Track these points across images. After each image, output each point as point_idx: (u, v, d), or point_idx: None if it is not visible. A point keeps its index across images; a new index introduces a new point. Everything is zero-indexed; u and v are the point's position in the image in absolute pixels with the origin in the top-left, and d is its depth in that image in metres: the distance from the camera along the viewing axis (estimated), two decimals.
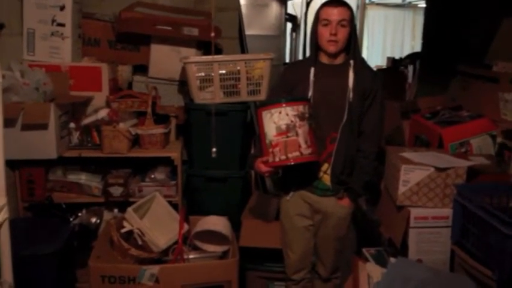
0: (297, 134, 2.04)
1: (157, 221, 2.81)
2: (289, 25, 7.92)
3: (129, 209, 2.70)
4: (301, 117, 2.05)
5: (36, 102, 2.73)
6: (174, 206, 2.97)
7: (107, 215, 3.13)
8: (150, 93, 3.12)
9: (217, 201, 3.11)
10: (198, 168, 3.18)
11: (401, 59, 6.14)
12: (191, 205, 3.22)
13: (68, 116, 2.99)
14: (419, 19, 8.73)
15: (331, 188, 2.25)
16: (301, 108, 2.06)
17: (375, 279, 2.37)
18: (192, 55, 3.18)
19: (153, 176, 3.13)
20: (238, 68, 3.04)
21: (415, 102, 3.85)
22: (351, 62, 2.18)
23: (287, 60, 7.73)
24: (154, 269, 2.47)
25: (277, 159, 2.07)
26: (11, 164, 2.83)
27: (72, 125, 3.00)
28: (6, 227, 1.63)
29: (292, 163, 2.05)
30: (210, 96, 3.07)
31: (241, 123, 3.16)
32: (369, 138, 2.26)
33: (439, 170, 2.46)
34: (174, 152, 3.07)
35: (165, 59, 3.27)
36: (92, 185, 3.07)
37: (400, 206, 2.55)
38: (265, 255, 2.76)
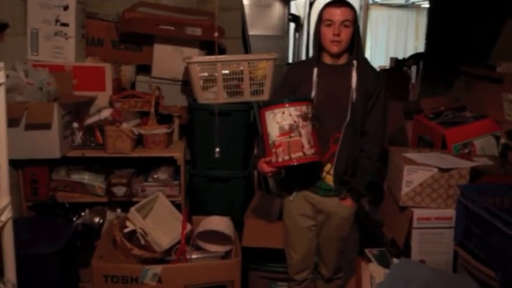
0: (300, 135, 2.04)
1: (160, 221, 2.81)
2: (292, 25, 7.90)
3: (132, 209, 2.71)
4: (304, 117, 2.05)
5: (40, 102, 2.74)
6: (177, 206, 2.97)
7: (110, 215, 3.13)
8: (153, 93, 3.12)
9: (220, 201, 3.10)
10: (201, 168, 3.18)
11: (404, 60, 6.12)
12: (194, 205, 3.23)
13: (71, 115, 2.99)
14: (423, 19, 8.72)
15: (334, 188, 2.25)
16: (304, 108, 2.06)
17: (378, 279, 2.38)
18: (195, 55, 3.17)
19: (156, 176, 3.13)
20: (242, 68, 3.04)
21: (418, 103, 3.85)
22: (354, 62, 2.18)
23: (290, 61, 7.72)
24: (157, 268, 2.47)
25: (280, 159, 2.07)
26: (14, 164, 2.84)
27: (75, 124, 3.01)
28: (9, 227, 1.63)
29: (295, 163, 2.05)
30: (213, 96, 3.07)
31: (244, 123, 3.15)
32: (372, 139, 2.26)
33: (442, 170, 2.46)
34: (177, 152, 3.07)
35: (168, 59, 3.27)
36: (95, 184, 3.07)
37: (403, 206, 2.55)
38: (267, 255, 2.76)
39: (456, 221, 2.43)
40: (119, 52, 3.34)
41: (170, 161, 3.06)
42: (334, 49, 2.15)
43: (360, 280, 2.47)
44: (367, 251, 2.75)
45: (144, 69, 3.39)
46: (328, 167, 2.23)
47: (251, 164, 3.08)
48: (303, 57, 7.64)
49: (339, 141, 2.19)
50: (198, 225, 2.76)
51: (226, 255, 2.72)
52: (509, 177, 2.55)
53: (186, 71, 3.12)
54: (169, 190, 3.09)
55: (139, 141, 3.10)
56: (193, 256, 2.68)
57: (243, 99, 3.11)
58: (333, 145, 2.20)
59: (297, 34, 8.28)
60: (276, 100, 2.15)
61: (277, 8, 6.39)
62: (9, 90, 2.34)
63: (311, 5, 6.70)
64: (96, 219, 3.09)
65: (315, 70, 2.19)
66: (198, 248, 2.73)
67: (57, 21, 3.09)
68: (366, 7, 10.31)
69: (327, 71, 2.20)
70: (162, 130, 3.06)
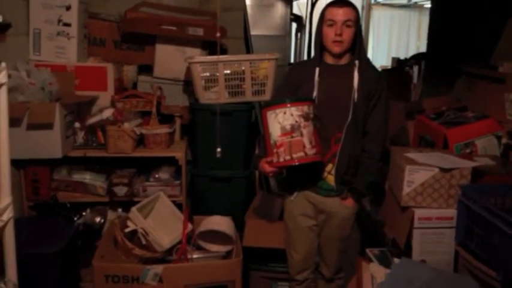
0: (301, 135, 2.04)
1: (161, 220, 2.81)
2: (294, 25, 7.91)
3: (133, 209, 2.71)
4: (305, 117, 2.05)
5: (42, 102, 2.74)
6: (178, 206, 2.97)
7: (111, 215, 3.13)
8: (155, 93, 3.13)
9: (222, 201, 3.11)
10: (203, 168, 3.18)
11: (406, 60, 6.13)
12: (195, 205, 3.23)
13: (73, 115, 2.99)
14: (425, 19, 8.70)
15: (335, 188, 2.25)
16: (305, 108, 2.06)
17: (379, 279, 2.37)
18: (197, 55, 3.18)
19: (157, 176, 3.13)
20: (243, 68, 3.04)
21: (420, 103, 3.85)
22: (356, 62, 2.18)
23: (292, 61, 7.74)
24: (158, 268, 2.47)
25: (281, 159, 2.07)
26: (16, 164, 2.84)
27: (77, 124, 3.01)
28: (11, 226, 1.64)
29: (297, 163, 2.05)
30: (215, 96, 3.07)
31: (245, 123, 3.16)
32: (374, 139, 2.26)
33: (443, 170, 2.46)
34: (179, 152, 3.07)
35: (170, 59, 3.27)
36: (97, 184, 3.07)
37: (404, 206, 2.55)
38: (268, 255, 2.76)
39: (457, 221, 2.43)
40: (121, 52, 3.35)
41: (171, 161, 3.06)
42: (336, 49, 2.15)
43: (361, 280, 2.46)
44: (368, 250, 2.75)
45: (146, 69, 3.39)
46: (329, 167, 2.23)
47: (252, 164, 3.08)
48: (305, 57, 7.64)
49: (341, 141, 2.19)
50: (199, 225, 2.76)
51: (227, 255, 2.72)
52: (510, 177, 2.55)
53: (188, 71, 3.12)
54: (171, 190, 3.09)
55: (140, 141, 3.10)
56: (194, 256, 2.68)
57: (244, 99, 3.11)
58: (335, 145, 2.20)
59: (299, 34, 8.29)
60: (278, 100, 2.15)
61: (280, 8, 6.41)
62: (11, 90, 2.34)
63: (313, 5, 6.69)
64: (97, 219, 3.09)
65: (317, 70, 2.19)
66: (199, 248, 2.73)
67: (59, 21, 3.10)
68: (368, 7, 10.33)
69: (329, 71, 2.20)
70: (164, 130, 3.06)
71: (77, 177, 3.08)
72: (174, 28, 3.13)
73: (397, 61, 6.30)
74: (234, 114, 3.07)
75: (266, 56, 3.07)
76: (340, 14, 2.10)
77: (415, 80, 5.46)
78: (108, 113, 3.00)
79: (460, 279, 2.30)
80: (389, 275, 2.29)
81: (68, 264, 2.62)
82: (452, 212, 2.47)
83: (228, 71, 3.04)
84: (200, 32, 3.13)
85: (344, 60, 2.21)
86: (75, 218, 3.03)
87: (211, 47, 3.25)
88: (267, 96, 3.06)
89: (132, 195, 3.05)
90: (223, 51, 3.34)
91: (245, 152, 3.18)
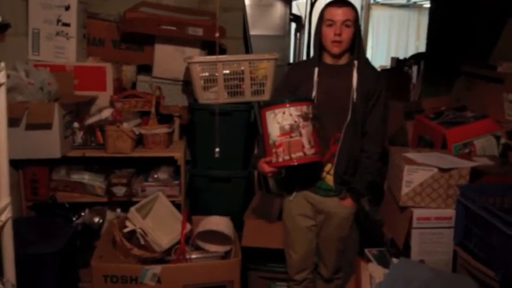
0: (300, 135, 2.04)
1: (160, 220, 2.81)
2: (293, 25, 7.91)
3: (132, 209, 2.71)
4: (304, 117, 2.05)
5: (41, 102, 2.74)
6: (177, 206, 2.97)
7: (109, 215, 3.13)
8: (154, 93, 3.13)
9: (220, 201, 3.11)
10: (202, 168, 3.18)
11: (405, 60, 6.13)
12: (194, 205, 3.23)
13: (72, 115, 2.99)
14: (424, 19, 8.70)
15: (334, 188, 2.25)
16: (304, 108, 2.06)
17: (377, 279, 2.38)
18: (196, 55, 3.18)
19: (156, 176, 3.13)
20: (242, 68, 3.04)
21: (419, 103, 3.85)
22: (355, 62, 2.18)
23: (291, 61, 7.74)
24: (157, 268, 2.47)
25: (280, 159, 2.07)
26: (15, 164, 2.84)
27: (76, 124, 3.01)
28: (9, 226, 1.64)
29: (296, 163, 2.05)
30: (214, 96, 3.07)
31: (244, 123, 3.16)
32: (373, 139, 2.26)
33: (442, 170, 2.46)
34: (178, 152, 3.07)
35: (169, 59, 3.27)
36: (95, 184, 3.07)
37: (403, 206, 2.54)
38: (267, 255, 2.76)
39: (456, 221, 2.43)
40: (120, 52, 3.35)
41: (170, 161, 3.06)
42: (335, 49, 2.15)
43: (360, 280, 2.46)
44: (366, 251, 2.75)
45: (145, 69, 3.39)
46: (328, 167, 2.23)
47: (251, 164, 3.08)
48: (304, 57, 7.64)
49: (340, 141, 2.19)
50: (197, 225, 2.76)
51: (226, 255, 2.72)
52: (509, 177, 2.55)
53: (187, 71, 3.12)
54: (170, 190, 3.09)
55: (139, 141, 3.10)
56: (193, 256, 2.69)
57: (243, 99, 3.11)
58: (334, 145, 2.20)
59: (298, 34, 8.29)
60: (277, 100, 2.15)
61: (279, 8, 6.41)
62: (10, 90, 2.34)
63: (312, 4, 6.69)
64: (96, 219, 3.09)
65: (316, 70, 2.19)
66: (198, 248, 2.73)
67: (58, 21, 3.09)
68: (368, 7, 10.32)
69: (328, 71, 2.20)
70: (163, 130, 3.06)
71: (76, 177, 3.08)
72: (174, 28, 3.13)
73: (396, 61, 6.30)
74: (233, 114, 3.07)
75: (265, 56, 3.08)
76: (339, 14, 2.10)
77: (414, 80, 5.45)
78: (107, 113, 3.00)
79: (458, 279, 2.30)
80: (387, 275, 2.29)
81: (67, 264, 2.62)
82: (450, 212, 2.47)
83: (227, 71, 3.04)
84: (199, 32, 3.13)
85: (343, 60, 2.21)
86: (74, 218, 3.03)
87: (210, 47, 3.24)
88: (266, 96, 3.07)
89: (131, 195, 3.05)
90: (223, 51, 3.34)
91: (244, 152, 3.18)
